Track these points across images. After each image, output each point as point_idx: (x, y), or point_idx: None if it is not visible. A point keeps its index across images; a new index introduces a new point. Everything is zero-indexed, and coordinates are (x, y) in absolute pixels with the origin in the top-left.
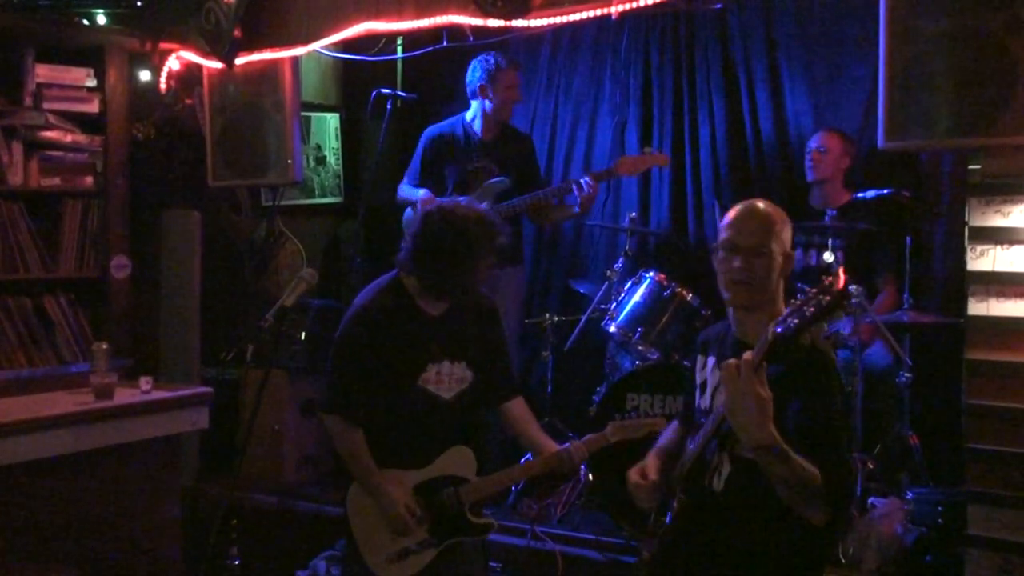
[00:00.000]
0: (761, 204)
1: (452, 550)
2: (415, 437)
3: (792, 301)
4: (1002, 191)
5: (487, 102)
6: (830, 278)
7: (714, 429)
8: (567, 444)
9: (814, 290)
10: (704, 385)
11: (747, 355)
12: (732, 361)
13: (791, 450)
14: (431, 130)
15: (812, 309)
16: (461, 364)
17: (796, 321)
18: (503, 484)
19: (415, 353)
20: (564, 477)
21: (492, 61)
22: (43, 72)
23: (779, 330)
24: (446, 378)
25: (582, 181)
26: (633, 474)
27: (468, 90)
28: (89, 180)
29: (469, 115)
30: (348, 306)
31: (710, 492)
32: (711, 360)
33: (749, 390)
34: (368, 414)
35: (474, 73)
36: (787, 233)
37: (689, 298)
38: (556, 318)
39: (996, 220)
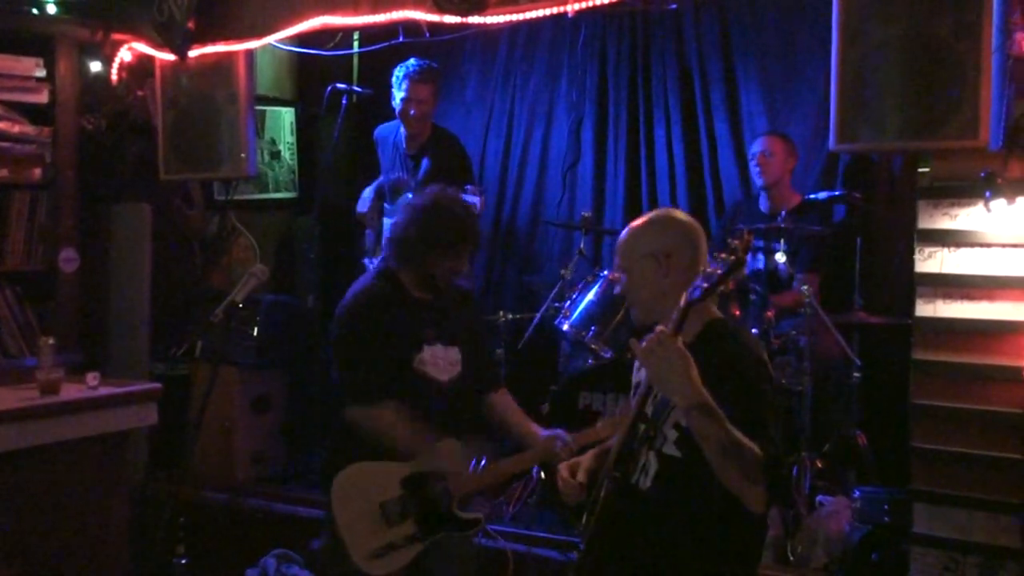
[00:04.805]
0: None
1: (442, 549)
2: (415, 423)
3: (702, 269)
4: (950, 194)
5: (395, 108)
6: (736, 241)
7: (634, 419)
8: (556, 433)
9: (722, 255)
10: (638, 385)
11: (659, 327)
12: (650, 336)
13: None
14: (376, 129)
15: (719, 271)
16: (453, 348)
17: (705, 285)
18: (494, 479)
19: (410, 336)
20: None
21: (402, 68)
22: None
23: (691, 296)
24: (441, 361)
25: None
26: (563, 468)
27: None
28: (37, 172)
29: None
30: (302, 302)
31: (637, 491)
32: None
33: (672, 349)
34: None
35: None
36: (653, 234)
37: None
38: (510, 315)
39: (944, 222)
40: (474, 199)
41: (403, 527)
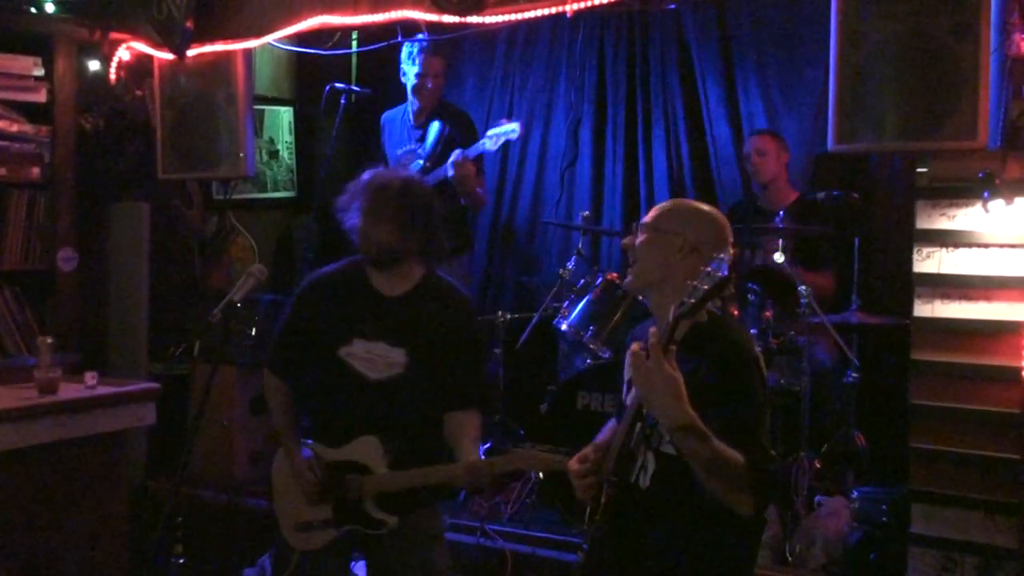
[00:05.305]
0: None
1: (394, 548)
2: (336, 414)
3: (689, 283)
4: (948, 194)
5: (408, 85)
6: (722, 255)
7: (631, 420)
8: (483, 459)
9: (708, 268)
10: (631, 383)
11: (652, 331)
12: (636, 345)
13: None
14: (383, 115)
15: (707, 286)
16: (399, 350)
17: (692, 300)
18: (408, 484)
19: (344, 325)
20: (478, 489)
21: (413, 45)
22: None
23: (679, 311)
24: (378, 359)
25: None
26: (574, 463)
27: None
28: (36, 171)
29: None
30: None
31: (637, 489)
32: None
33: (658, 369)
34: (301, 380)
35: (401, 55)
36: (699, 228)
37: (641, 297)
38: (509, 315)
39: (942, 223)
40: (512, 124)
41: (321, 510)
